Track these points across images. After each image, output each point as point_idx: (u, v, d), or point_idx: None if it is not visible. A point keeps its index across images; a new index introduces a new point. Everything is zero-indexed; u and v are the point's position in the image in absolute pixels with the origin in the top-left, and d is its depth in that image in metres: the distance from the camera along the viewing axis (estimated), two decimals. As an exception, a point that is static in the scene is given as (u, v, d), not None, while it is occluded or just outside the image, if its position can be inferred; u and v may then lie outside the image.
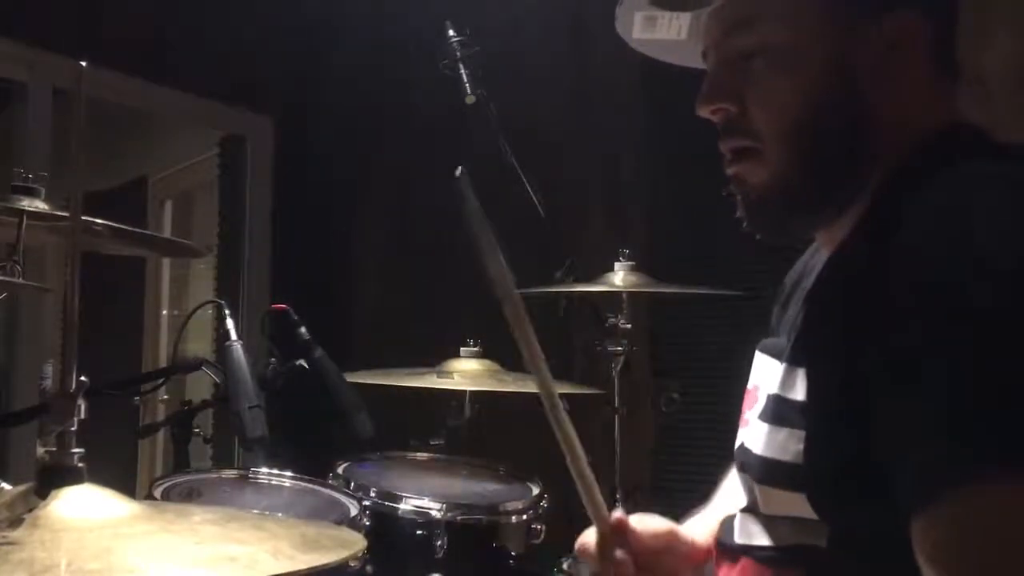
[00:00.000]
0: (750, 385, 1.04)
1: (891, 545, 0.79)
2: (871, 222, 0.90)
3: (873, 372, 0.79)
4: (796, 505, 0.89)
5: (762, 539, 0.96)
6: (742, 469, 1.00)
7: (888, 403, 0.77)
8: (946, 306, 0.74)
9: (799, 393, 0.90)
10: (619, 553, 1.01)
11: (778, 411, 0.93)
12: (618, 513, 1.03)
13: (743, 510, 1.00)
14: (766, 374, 0.99)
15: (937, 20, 0.92)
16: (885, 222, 0.83)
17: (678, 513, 1.25)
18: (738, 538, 1.00)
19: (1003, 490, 0.70)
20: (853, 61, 0.91)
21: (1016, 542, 0.70)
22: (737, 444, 1.02)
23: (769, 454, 0.93)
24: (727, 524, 1.05)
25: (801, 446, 0.88)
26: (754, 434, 0.96)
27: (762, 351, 1.03)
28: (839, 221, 0.96)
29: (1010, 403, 0.71)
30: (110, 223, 1.74)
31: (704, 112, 0.98)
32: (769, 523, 0.95)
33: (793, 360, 0.93)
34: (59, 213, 1.77)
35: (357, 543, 0.91)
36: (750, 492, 0.98)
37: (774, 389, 0.94)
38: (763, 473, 0.94)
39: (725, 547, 1.03)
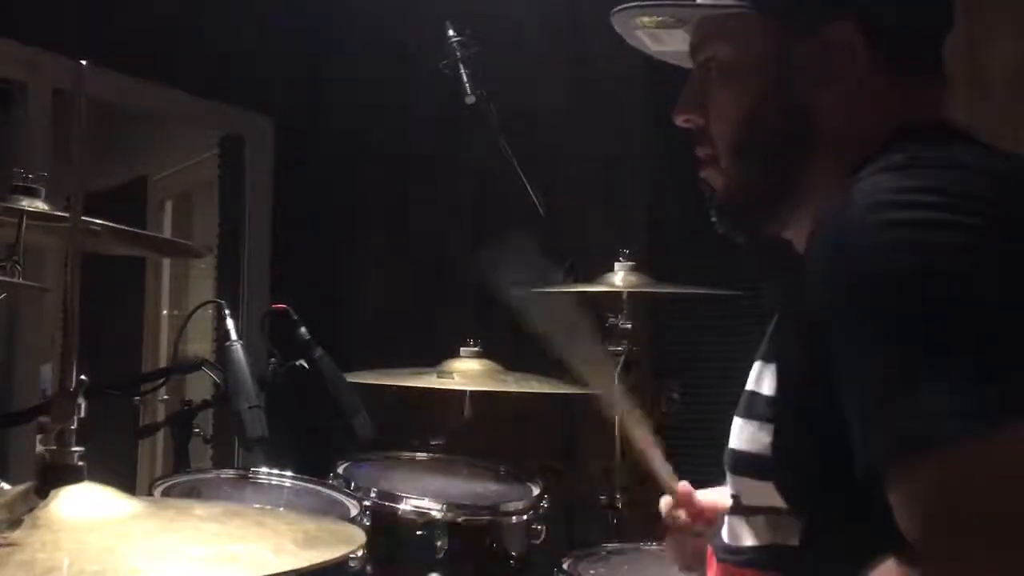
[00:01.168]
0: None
1: (857, 537, 0.80)
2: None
3: (834, 352, 0.80)
4: (769, 495, 0.92)
5: (745, 538, 0.99)
6: (727, 468, 1.04)
7: (851, 373, 0.78)
8: (886, 279, 0.76)
9: (768, 388, 0.94)
10: (682, 514, 1.24)
11: (749, 405, 0.98)
12: (684, 484, 1.26)
13: (729, 511, 1.03)
14: (751, 376, 1.03)
15: (876, 28, 0.94)
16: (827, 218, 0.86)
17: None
18: (726, 537, 1.03)
19: (995, 444, 0.70)
20: (789, 71, 0.96)
21: (1007, 493, 0.70)
22: (727, 448, 1.05)
23: (741, 447, 0.98)
24: (716, 527, 1.08)
25: (769, 439, 0.92)
26: (733, 430, 1.01)
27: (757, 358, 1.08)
28: (804, 222, 0.99)
29: (984, 357, 0.71)
30: (110, 223, 1.74)
31: (677, 122, 1.05)
32: (749, 519, 0.98)
33: (765, 357, 0.98)
34: (59, 213, 1.77)
35: (358, 538, 0.92)
36: (733, 487, 1.02)
37: (750, 386, 1.00)
38: (736, 464, 0.99)
39: (713, 548, 1.06)
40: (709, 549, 1.09)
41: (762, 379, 0.97)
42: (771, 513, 0.94)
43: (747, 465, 0.96)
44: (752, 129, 0.99)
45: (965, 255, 0.75)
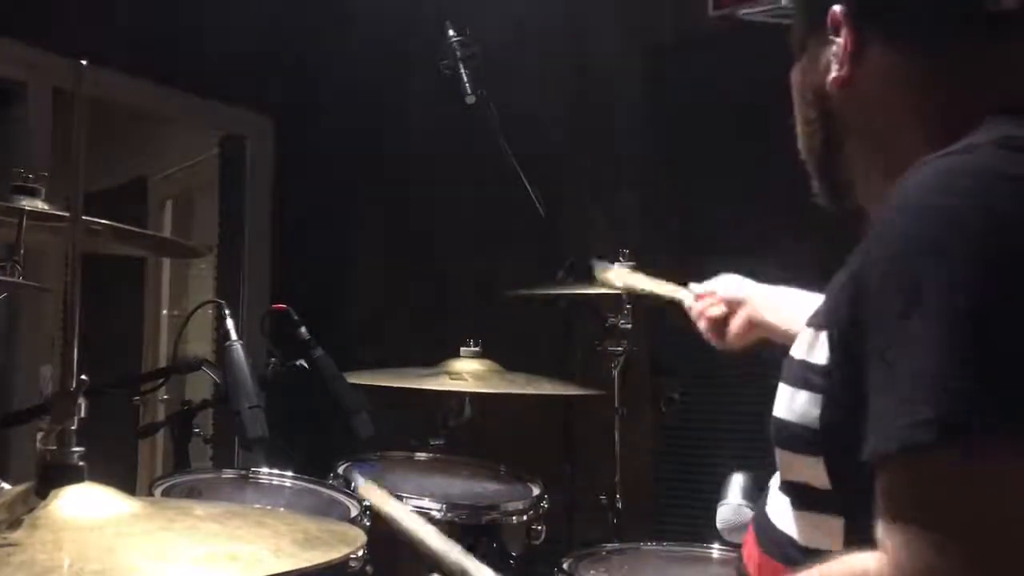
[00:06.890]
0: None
1: None
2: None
3: (866, 343, 0.81)
4: (810, 472, 0.91)
5: (789, 527, 0.96)
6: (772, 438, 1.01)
7: (873, 368, 0.79)
8: (922, 278, 0.77)
9: (821, 357, 0.91)
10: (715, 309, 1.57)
11: (799, 374, 0.94)
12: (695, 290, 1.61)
13: (779, 487, 1.00)
14: (798, 341, 0.99)
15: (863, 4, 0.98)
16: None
17: (676, 514, 1.25)
18: (770, 513, 1.00)
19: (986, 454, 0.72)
20: (810, 61, 1.04)
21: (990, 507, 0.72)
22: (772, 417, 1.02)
23: (786, 416, 0.94)
24: (763, 495, 1.05)
25: (818, 411, 0.90)
26: (778, 397, 0.97)
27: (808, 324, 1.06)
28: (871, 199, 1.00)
29: (995, 371, 0.73)
30: (110, 223, 1.74)
31: None
32: (795, 512, 0.96)
33: (817, 324, 0.94)
34: (59, 213, 1.77)
35: (358, 539, 0.92)
36: (775, 458, 0.99)
37: (799, 354, 0.96)
38: (778, 434, 0.96)
39: (756, 526, 1.03)
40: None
41: (812, 347, 0.93)
42: (808, 491, 0.92)
43: (794, 437, 0.93)
44: (799, 117, 1.07)
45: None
